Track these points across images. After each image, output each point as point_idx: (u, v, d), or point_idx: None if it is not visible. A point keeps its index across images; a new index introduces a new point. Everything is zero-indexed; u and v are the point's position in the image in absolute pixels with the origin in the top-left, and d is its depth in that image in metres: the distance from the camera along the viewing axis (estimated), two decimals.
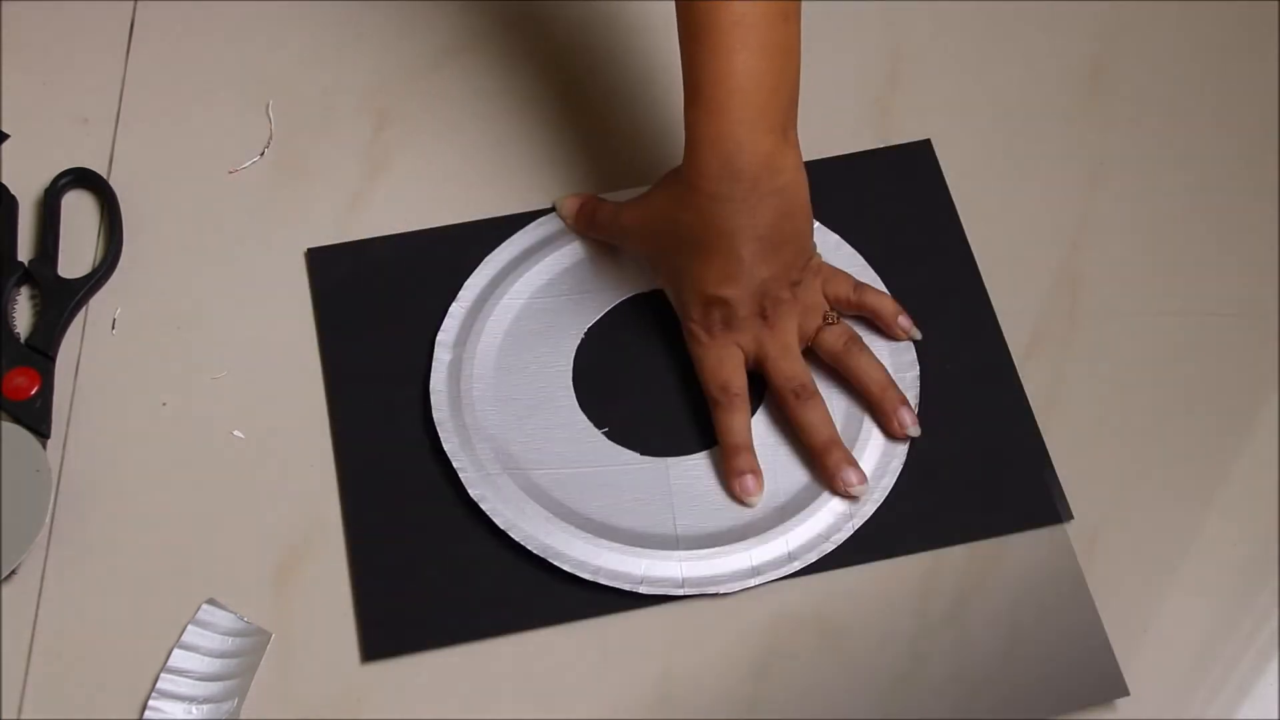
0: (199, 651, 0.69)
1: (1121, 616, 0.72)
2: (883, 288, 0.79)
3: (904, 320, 0.77)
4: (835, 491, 0.74)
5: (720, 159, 0.71)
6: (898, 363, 0.77)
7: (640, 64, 0.88)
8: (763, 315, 0.74)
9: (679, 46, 0.73)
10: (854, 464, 0.73)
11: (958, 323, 0.79)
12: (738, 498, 0.74)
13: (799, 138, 0.73)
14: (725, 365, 0.75)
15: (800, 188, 0.74)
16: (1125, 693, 0.70)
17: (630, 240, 0.78)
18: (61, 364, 0.77)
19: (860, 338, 0.76)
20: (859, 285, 0.77)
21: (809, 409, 0.74)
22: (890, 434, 0.75)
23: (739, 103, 0.71)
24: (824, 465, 0.74)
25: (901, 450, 0.75)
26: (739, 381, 0.75)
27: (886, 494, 0.74)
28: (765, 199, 0.72)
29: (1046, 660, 0.71)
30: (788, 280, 0.74)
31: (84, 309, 0.79)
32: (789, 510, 0.74)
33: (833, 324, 0.76)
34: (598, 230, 0.80)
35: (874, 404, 0.75)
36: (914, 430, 0.75)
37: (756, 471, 0.74)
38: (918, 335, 0.77)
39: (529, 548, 0.72)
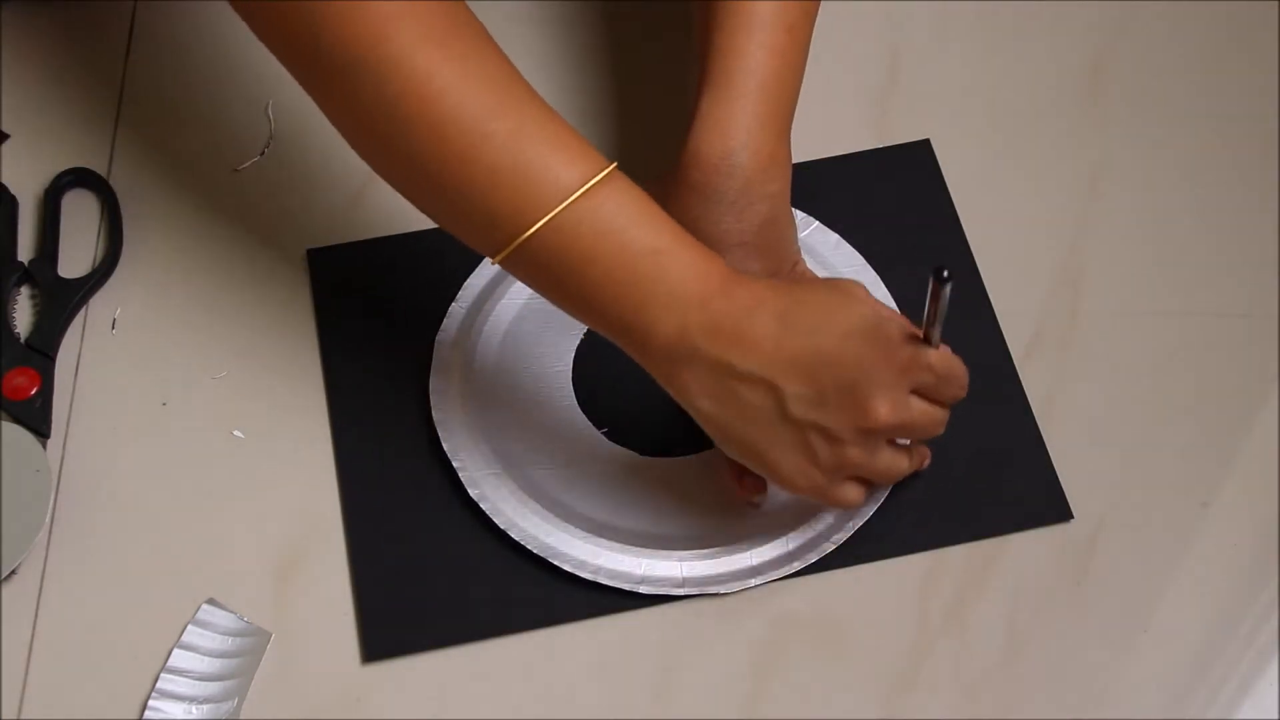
0: (199, 651, 0.69)
1: (1121, 616, 0.72)
2: (884, 288, 0.79)
3: None
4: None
5: (722, 150, 0.71)
6: None
7: (639, 63, 0.88)
8: None
9: (697, 39, 0.74)
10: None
11: (958, 323, 0.79)
12: (743, 498, 0.74)
13: (794, 139, 0.73)
14: None
15: (787, 197, 0.74)
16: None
17: None
18: (61, 364, 0.77)
19: None
20: None
21: None
22: None
23: (757, 95, 0.71)
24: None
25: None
26: None
27: (887, 493, 0.74)
28: (755, 203, 0.72)
29: (1046, 655, 0.71)
30: None
31: (84, 309, 0.79)
32: (789, 510, 0.74)
33: None
34: None
35: None
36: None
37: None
38: None
39: (529, 547, 0.72)
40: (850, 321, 0.65)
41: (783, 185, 0.73)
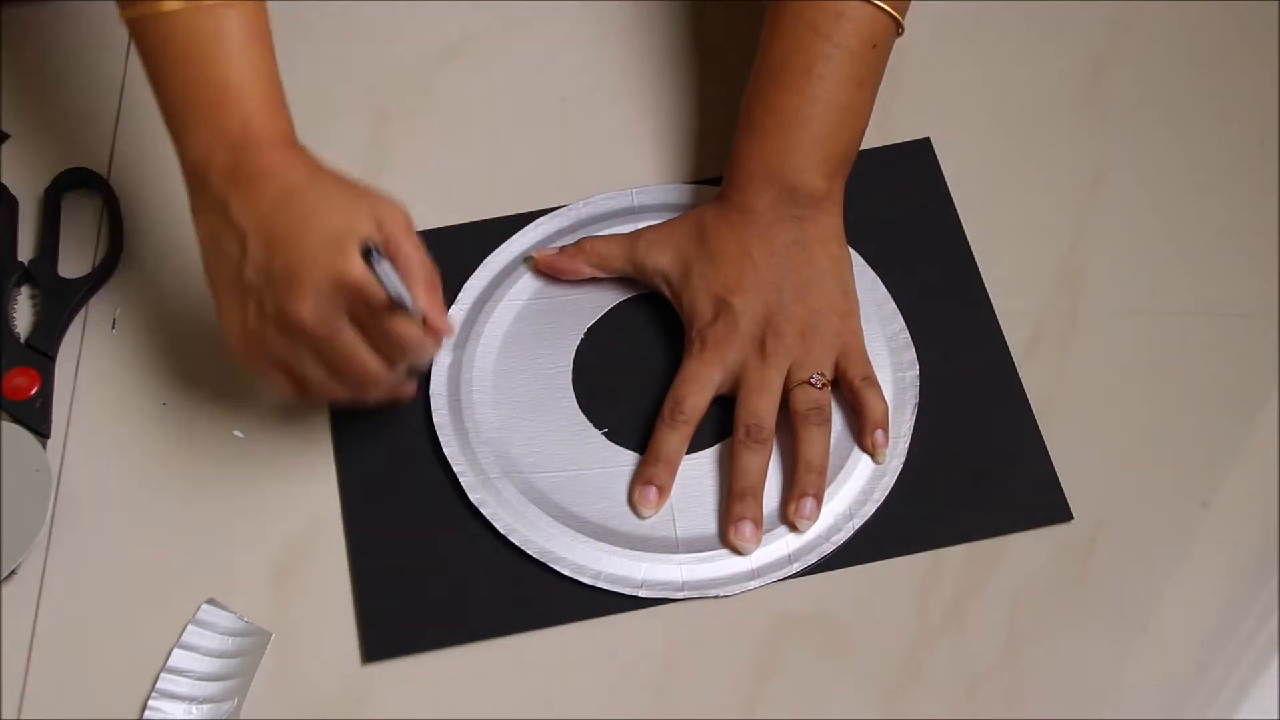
0: (199, 651, 0.69)
1: (1121, 616, 0.72)
2: (882, 288, 0.79)
3: (880, 436, 0.74)
4: (724, 539, 0.73)
5: (754, 173, 0.75)
6: (898, 362, 0.77)
7: (642, 64, 0.88)
8: (760, 343, 0.74)
9: (750, 80, 0.77)
10: (757, 523, 0.73)
11: (958, 323, 0.79)
12: (634, 504, 0.74)
13: None
14: (694, 383, 0.74)
15: (823, 231, 0.76)
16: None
17: (653, 252, 0.78)
18: (61, 364, 0.77)
19: (830, 416, 0.74)
20: (870, 379, 0.75)
21: (751, 452, 0.73)
22: (783, 514, 0.73)
23: (787, 138, 0.75)
24: (730, 510, 0.73)
25: (901, 450, 0.75)
26: (695, 404, 0.74)
27: (886, 494, 0.74)
28: (785, 221, 0.75)
29: (1046, 655, 0.71)
30: (800, 322, 0.74)
31: (84, 309, 0.79)
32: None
33: (817, 387, 0.74)
34: (603, 260, 0.79)
35: (794, 478, 0.73)
36: (804, 525, 0.73)
37: (661, 488, 0.74)
38: (880, 461, 0.75)
39: (529, 552, 0.72)
40: (333, 227, 0.65)
41: (814, 214, 0.76)
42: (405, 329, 0.66)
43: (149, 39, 0.69)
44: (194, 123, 0.68)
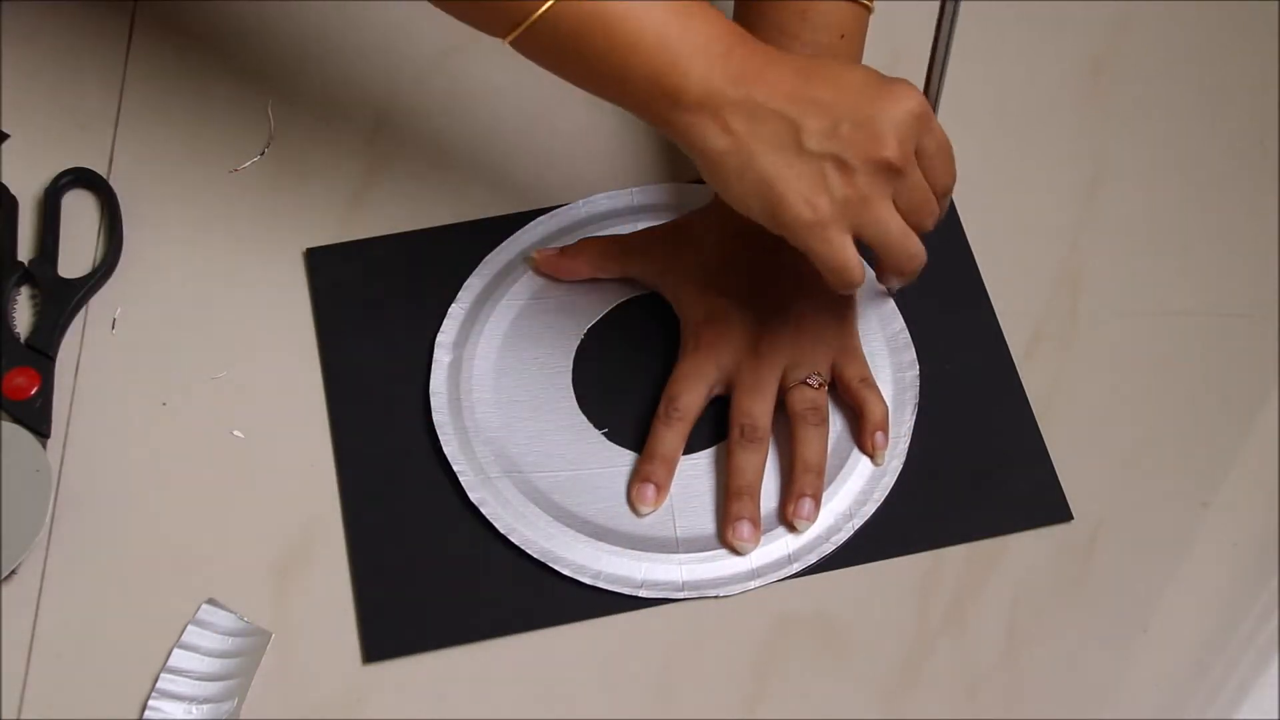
0: (199, 651, 0.69)
1: (1121, 616, 0.72)
2: (882, 289, 0.79)
3: (880, 437, 0.74)
4: (723, 539, 0.73)
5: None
6: (898, 362, 0.77)
7: None
8: (755, 342, 0.74)
9: None
10: (755, 522, 0.73)
11: (958, 323, 0.79)
12: (632, 502, 0.74)
13: None
14: (688, 380, 0.74)
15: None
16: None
17: (651, 252, 0.78)
18: (61, 364, 0.77)
19: (827, 417, 0.74)
20: (868, 380, 0.75)
21: (747, 452, 0.73)
22: (782, 515, 0.74)
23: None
24: (727, 510, 0.73)
25: (901, 450, 0.75)
26: (688, 402, 0.74)
27: (886, 494, 0.74)
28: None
29: (1046, 655, 0.71)
30: (795, 322, 0.74)
31: (84, 309, 0.79)
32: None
33: (813, 388, 0.74)
34: (602, 260, 0.79)
35: (792, 479, 0.73)
36: (802, 526, 0.73)
37: (659, 485, 0.74)
38: (880, 462, 0.75)
39: (529, 552, 0.72)
40: (865, 76, 0.66)
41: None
42: (950, 146, 0.68)
43: (573, 18, 0.64)
44: (677, 60, 0.64)
